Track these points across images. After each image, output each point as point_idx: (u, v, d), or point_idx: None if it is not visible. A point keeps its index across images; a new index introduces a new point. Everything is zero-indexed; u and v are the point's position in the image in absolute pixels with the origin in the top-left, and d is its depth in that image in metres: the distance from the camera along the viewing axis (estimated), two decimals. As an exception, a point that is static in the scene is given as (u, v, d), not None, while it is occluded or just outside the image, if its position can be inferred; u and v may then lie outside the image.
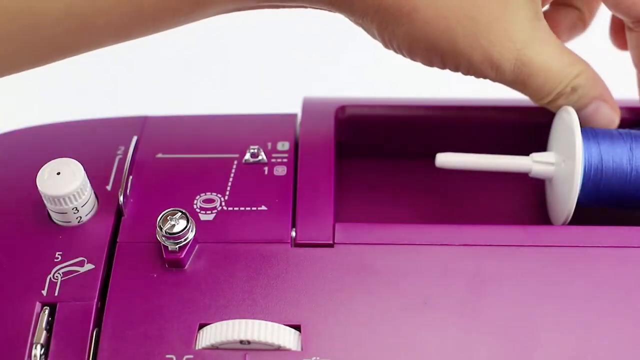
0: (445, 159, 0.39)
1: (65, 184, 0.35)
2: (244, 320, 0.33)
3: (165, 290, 0.35)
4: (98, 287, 0.35)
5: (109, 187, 0.39)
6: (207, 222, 0.37)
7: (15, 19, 0.30)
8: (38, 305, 0.34)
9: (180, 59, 0.64)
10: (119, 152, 0.40)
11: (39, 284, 0.35)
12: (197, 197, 0.38)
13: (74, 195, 0.36)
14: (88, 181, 0.37)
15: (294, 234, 0.37)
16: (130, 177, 0.39)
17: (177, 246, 0.35)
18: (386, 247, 0.36)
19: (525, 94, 0.37)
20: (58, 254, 0.36)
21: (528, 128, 0.43)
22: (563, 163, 0.38)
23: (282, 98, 0.48)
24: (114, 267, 0.36)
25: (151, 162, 0.40)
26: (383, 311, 0.34)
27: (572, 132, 0.37)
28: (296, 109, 0.43)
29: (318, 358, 0.33)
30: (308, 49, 0.64)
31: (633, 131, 0.39)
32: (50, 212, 0.37)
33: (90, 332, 0.33)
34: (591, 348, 0.33)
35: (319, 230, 0.37)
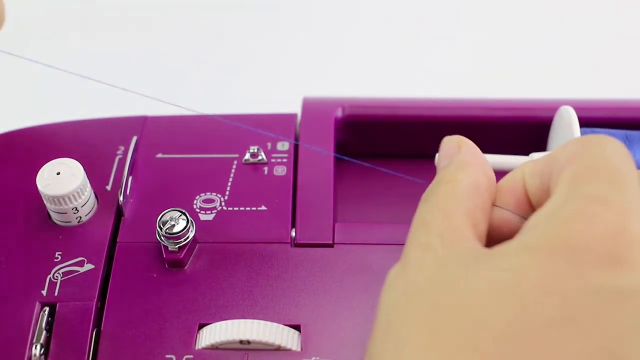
0: (445, 159, 0.39)
1: (65, 184, 0.35)
2: (243, 320, 0.33)
3: (165, 290, 0.35)
4: (98, 287, 0.35)
5: (109, 187, 0.39)
6: (207, 222, 0.37)
7: None
8: (38, 305, 0.34)
9: (181, 59, 0.64)
10: (119, 152, 0.40)
11: (39, 284, 0.35)
12: (197, 197, 0.38)
13: (73, 195, 0.36)
14: (88, 181, 0.37)
15: (293, 234, 0.37)
16: (130, 177, 0.39)
17: (177, 246, 0.35)
18: (386, 247, 0.36)
19: None
20: (58, 254, 0.36)
21: (528, 128, 0.43)
22: (563, 163, 0.38)
23: (282, 98, 0.48)
24: (113, 267, 0.36)
25: (151, 162, 0.40)
26: (383, 311, 0.34)
27: (571, 132, 0.37)
28: (296, 109, 0.43)
29: (318, 358, 0.33)
30: (308, 49, 0.64)
31: (633, 132, 0.39)
32: (50, 212, 0.37)
33: (90, 332, 0.33)
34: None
35: (318, 230, 0.37)
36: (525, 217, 0.27)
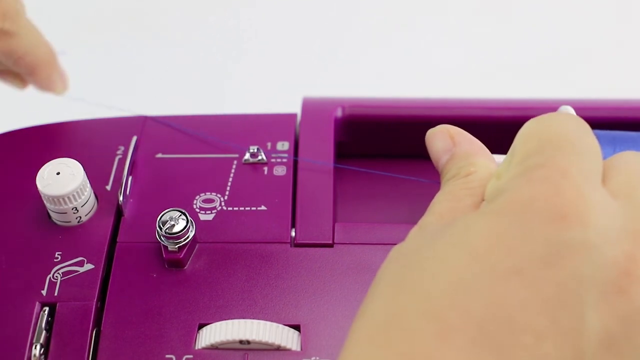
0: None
1: (65, 184, 0.35)
2: (243, 320, 0.33)
3: (165, 290, 0.35)
4: (98, 287, 0.35)
5: (108, 187, 0.39)
6: (207, 222, 0.37)
7: None
8: (38, 305, 0.34)
9: (181, 59, 0.64)
10: (119, 152, 0.40)
11: (38, 284, 0.35)
12: (197, 197, 0.38)
13: (73, 195, 0.36)
14: (88, 181, 0.37)
15: (293, 234, 0.37)
16: (130, 177, 0.39)
17: (176, 246, 0.35)
18: (386, 247, 0.36)
19: None
20: (58, 254, 0.36)
21: (528, 128, 0.43)
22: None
23: (282, 98, 0.48)
24: (113, 267, 0.36)
25: (151, 162, 0.40)
26: (383, 311, 0.34)
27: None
28: (296, 109, 0.43)
29: (318, 358, 0.33)
30: (308, 49, 0.64)
31: (633, 133, 0.39)
32: (50, 212, 0.37)
33: (89, 332, 0.33)
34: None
35: (318, 230, 0.37)
36: None
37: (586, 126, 0.26)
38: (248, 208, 0.38)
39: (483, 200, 0.27)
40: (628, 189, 0.24)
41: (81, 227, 0.37)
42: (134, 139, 0.40)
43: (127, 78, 0.62)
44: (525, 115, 0.43)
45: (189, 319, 0.34)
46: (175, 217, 0.35)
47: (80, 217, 0.37)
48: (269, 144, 0.41)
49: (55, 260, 0.35)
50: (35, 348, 0.33)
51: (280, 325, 0.33)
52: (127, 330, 0.33)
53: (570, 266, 0.21)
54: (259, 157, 0.40)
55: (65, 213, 0.36)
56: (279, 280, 0.35)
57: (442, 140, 0.30)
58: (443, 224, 0.25)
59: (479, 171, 0.28)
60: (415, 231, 0.26)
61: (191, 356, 0.33)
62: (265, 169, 0.40)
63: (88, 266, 0.35)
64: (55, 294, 0.34)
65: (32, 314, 0.34)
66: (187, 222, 0.35)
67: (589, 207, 0.22)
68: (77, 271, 0.35)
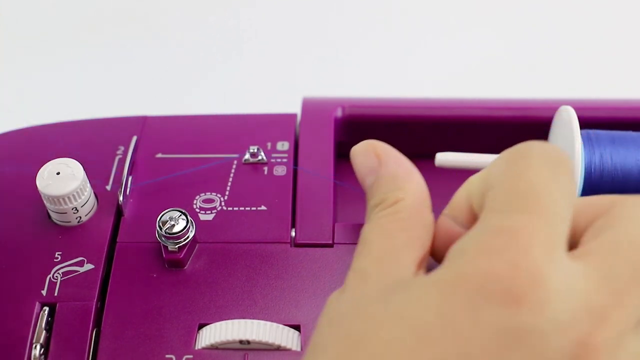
0: (445, 159, 0.39)
1: (64, 184, 0.35)
2: (243, 320, 0.33)
3: (165, 290, 0.35)
4: (98, 287, 0.35)
5: (108, 187, 0.39)
6: (206, 222, 0.37)
7: None
8: (38, 305, 0.34)
9: (181, 59, 0.64)
10: (118, 152, 0.40)
11: (38, 284, 0.35)
12: (197, 197, 0.38)
13: (73, 195, 0.36)
14: (88, 181, 0.37)
15: (293, 234, 0.37)
16: (130, 177, 0.39)
17: (176, 246, 0.35)
18: (386, 247, 0.36)
19: None
20: (58, 254, 0.36)
21: (528, 128, 0.43)
22: (563, 163, 0.38)
23: (282, 98, 0.48)
24: (113, 267, 0.36)
25: (151, 162, 0.40)
26: (383, 311, 0.34)
27: (571, 132, 0.37)
28: (296, 109, 0.43)
29: (318, 358, 0.33)
30: (308, 49, 0.64)
31: (633, 133, 0.39)
32: (49, 212, 0.37)
33: (89, 332, 0.33)
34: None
35: (318, 230, 0.37)
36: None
37: (564, 166, 0.24)
38: (248, 208, 0.38)
39: (419, 230, 0.25)
40: (600, 256, 0.22)
41: (81, 227, 0.37)
42: (134, 139, 0.40)
43: (127, 78, 0.62)
44: (525, 115, 0.43)
45: (189, 319, 0.34)
46: (175, 217, 0.35)
47: (80, 217, 0.37)
48: (269, 144, 0.41)
49: (55, 260, 0.35)
50: (35, 348, 0.33)
51: (280, 325, 0.33)
52: (127, 330, 0.33)
53: (519, 355, 0.20)
54: (259, 157, 0.40)
55: (65, 213, 0.36)
56: (279, 280, 0.35)
57: (367, 158, 0.28)
58: (386, 285, 0.23)
59: (407, 198, 0.26)
60: (354, 280, 0.24)
61: (191, 356, 0.33)
62: (265, 169, 0.40)
63: (88, 266, 0.35)
64: (55, 294, 0.34)
65: (32, 314, 0.34)
66: (187, 222, 0.35)
67: (546, 289, 0.21)
68: (77, 271, 0.35)
